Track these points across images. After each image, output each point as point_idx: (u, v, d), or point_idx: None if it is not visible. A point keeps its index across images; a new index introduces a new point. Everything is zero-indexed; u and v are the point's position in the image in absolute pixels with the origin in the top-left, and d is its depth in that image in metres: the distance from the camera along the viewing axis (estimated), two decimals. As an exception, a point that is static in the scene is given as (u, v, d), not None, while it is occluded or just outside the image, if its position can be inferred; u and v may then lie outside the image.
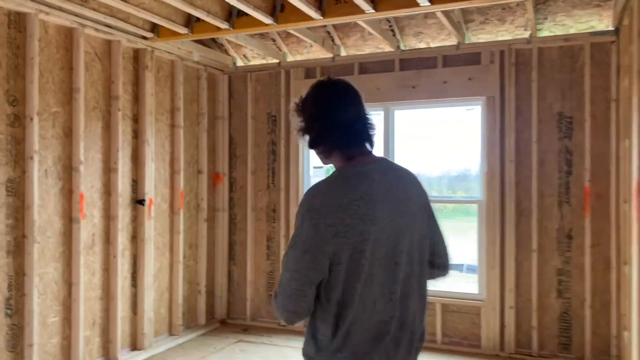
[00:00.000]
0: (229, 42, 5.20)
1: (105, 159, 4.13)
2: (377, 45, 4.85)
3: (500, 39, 4.47)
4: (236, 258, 5.42)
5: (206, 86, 5.21)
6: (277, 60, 5.22)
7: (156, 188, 4.61)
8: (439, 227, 1.70)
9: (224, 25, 4.04)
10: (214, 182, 5.41)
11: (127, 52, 4.32)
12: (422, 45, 4.74)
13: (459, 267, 8.18)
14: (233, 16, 4.07)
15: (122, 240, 4.22)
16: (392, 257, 1.50)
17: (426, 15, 4.37)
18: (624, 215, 3.79)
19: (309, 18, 3.81)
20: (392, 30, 4.59)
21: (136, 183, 4.41)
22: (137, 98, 4.42)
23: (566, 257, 4.23)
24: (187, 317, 5.02)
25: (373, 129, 1.61)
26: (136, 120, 4.41)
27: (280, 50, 5.15)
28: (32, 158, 3.49)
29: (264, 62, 5.36)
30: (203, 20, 4.08)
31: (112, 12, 3.93)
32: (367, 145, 1.60)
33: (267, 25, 3.96)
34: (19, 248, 3.48)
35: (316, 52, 5.09)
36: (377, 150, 1.68)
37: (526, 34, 4.36)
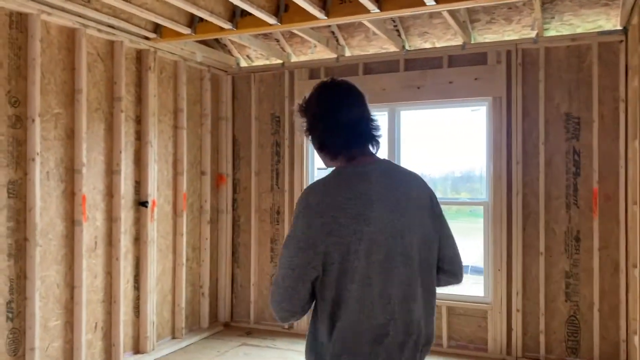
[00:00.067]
0: (233, 42, 5.16)
1: (108, 161, 4.10)
2: (382, 46, 4.81)
3: (506, 38, 4.42)
4: (240, 260, 5.38)
5: (209, 87, 5.17)
6: (281, 61, 5.18)
7: (159, 190, 4.58)
8: (447, 231, 1.66)
9: (227, 26, 4.00)
10: (217, 183, 5.37)
11: (130, 53, 4.29)
12: (428, 45, 4.69)
13: (464, 269, 8.11)
14: (236, 16, 4.03)
15: (124, 242, 4.19)
16: (391, 260, 1.48)
17: (431, 15, 4.32)
18: (633, 217, 3.74)
19: (313, 18, 3.77)
20: (397, 30, 4.54)
21: (139, 185, 4.37)
22: (139, 99, 4.39)
23: (574, 259, 4.18)
24: (190, 320, 4.99)
25: (377, 130, 1.60)
26: (139, 121, 4.38)
27: (284, 50, 5.11)
28: (33, 160, 3.46)
29: (267, 62, 5.32)
30: (206, 21, 4.04)
31: (114, 12, 3.89)
32: (371, 147, 1.59)
33: (270, 25, 3.92)
34: (20, 251, 3.44)
35: (320, 53, 5.04)
36: (382, 152, 1.64)
37: (533, 34, 4.31)
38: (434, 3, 3.42)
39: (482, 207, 4.56)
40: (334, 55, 4.94)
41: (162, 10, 3.88)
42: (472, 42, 4.49)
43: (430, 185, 1.69)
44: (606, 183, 4.08)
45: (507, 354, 4.32)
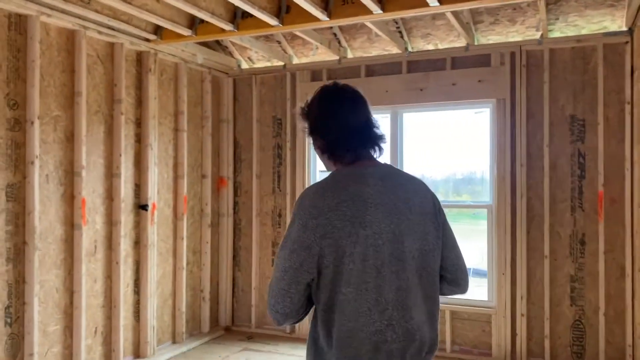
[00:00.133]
0: (234, 44, 5.12)
1: (108, 164, 4.06)
2: (384, 47, 4.77)
3: (510, 40, 4.38)
4: (241, 264, 5.34)
5: (210, 89, 5.14)
6: (283, 63, 5.14)
7: (159, 193, 4.53)
8: (450, 239, 1.63)
9: (228, 27, 3.96)
10: (218, 186, 5.33)
11: (130, 55, 4.25)
12: (430, 46, 4.65)
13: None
14: (238, 17, 3.99)
15: (124, 246, 4.14)
16: (389, 265, 1.46)
17: (434, 17, 4.28)
18: (639, 220, 3.69)
19: (315, 19, 3.73)
20: (400, 32, 4.50)
21: (139, 188, 4.33)
22: (140, 101, 4.35)
23: (579, 263, 4.13)
24: (191, 325, 4.94)
25: (380, 135, 1.60)
26: (139, 124, 4.34)
27: (286, 52, 5.07)
28: (32, 163, 3.42)
29: (269, 64, 5.28)
30: (207, 22, 4.00)
31: (114, 14, 3.86)
32: (373, 152, 1.59)
33: (272, 26, 3.88)
34: (19, 255, 3.40)
35: (322, 55, 5.01)
36: (385, 154, 1.64)
37: (537, 35, 4.27)
38: (437, 4, 3.38)
39: (484, 209, 4.52)
40: (336, 57, 4.90)
41: (163, 11, 3.84)
42: (476, 43, 4.45)
43: (431, 187, 1.66)
44: (612, 186, 4.03)
45: (512, 359, 4.27)
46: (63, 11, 3.57)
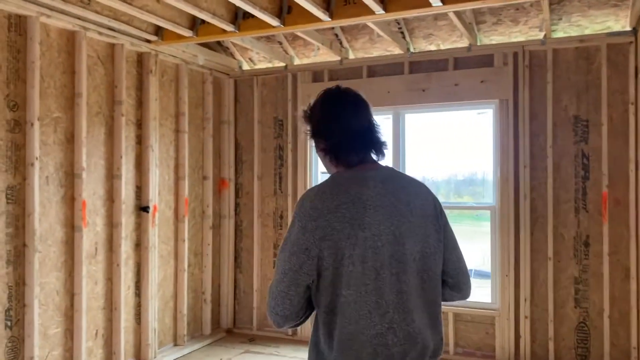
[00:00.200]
0: (235, 45, 5.10)
1: (108, 166, 4.04)
2: (386, 48, 4.75)
3: (513, 40, 4.35)
4: (242, 266, 5.31)
5: (211, 90, 5.11)
6: (284, 64, 5.12)
7: (160, 195, 4.51)
8: (452, 243, 1.62)
9: (229, 28, 3.94)
10: (220, 188, 5.30)
11: (131, 56, 4.23)
12: (433, 47, 4.63)
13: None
14: (239, 18, 3.97)
15: (125, 248, 4.12)
16: (389, 267, 1.46)
17: (436, 17, 4.26)
18: (645, 222, 3.67)
19: (316, 20, 3.71)
20: (402, 32, 4.48)
21: (140, 190, 4.31)
22: (140, 103, 4.33)
23: (583, 265, 4.10)
24: (192, 327, 4.91)
25: (381, 139, 1.61)
26: (140, 125, 4.32)
27: (287, 53, 5.05)
28: (32, 164, 3.40)
29: (270, 65, 5.26)
30: (208, 23, 3.98)
31: (115, 14, 3.84)
32: (374, 155, 1.60)
33: (273, 27, 3.86)
34: (19, 257, 3.38)
35: (324, 55, 4.98)
36: (387, 155, 1.64)
37: (540, 35, 4.24)
38: (440, 4, 3.36)
39: (486, 211, 4.49)
40: (338, 58, 4.88)
41: (164, 12, 3.82)
42: (478, 43, 4.43)
43: (433, 188, 1.66)
44: (616, 187, 4.00)
45: (515, 361, 4.24)
46: (63, 12, 3.55)
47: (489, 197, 4.55)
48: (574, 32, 4.19)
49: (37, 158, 3.41)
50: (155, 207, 4.38)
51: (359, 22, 3.83)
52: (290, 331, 4.95)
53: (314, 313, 1.56)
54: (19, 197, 3.38)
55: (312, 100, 1.66)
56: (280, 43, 4.92)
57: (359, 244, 1.44)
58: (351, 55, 4.90)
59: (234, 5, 3.78)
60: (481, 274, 8.56)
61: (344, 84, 1.69)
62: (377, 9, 3.48)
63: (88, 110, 3.82)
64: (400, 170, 4.51)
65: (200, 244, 5.05)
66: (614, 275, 4.00)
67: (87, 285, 3.79)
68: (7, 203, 3.32)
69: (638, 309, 3.87)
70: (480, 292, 5.55)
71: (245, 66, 5.36)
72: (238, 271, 5.32)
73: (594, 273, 4.06)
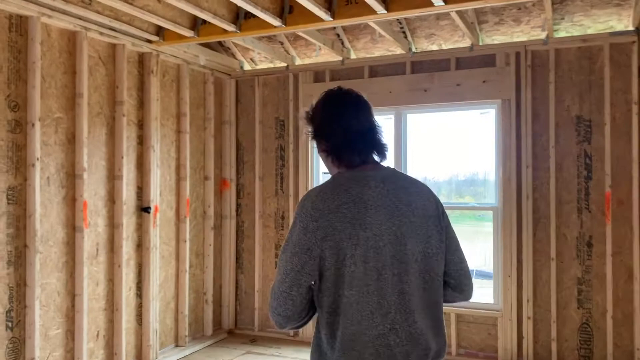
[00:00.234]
0: (236, 45, 5.09)
1: (110, 166, 4.03)
2: (388, 48, 4.73)
3: (515, 40, 4.34)
4: (244, 266, 5.30)
5: (213, 91, 5.10)
6: (285, 64, 5.10)
7: (162, 195, 4.50)
8: (453, 244, 1.62)
9: (230, 28, 3.93)
10: (221, 188, 5.29)
11: (132, 56, 4.22)
12: (435, 47, 4.61)
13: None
14: (240, 18, 3.96)
15: (126, 249, 4.11)
16: (391, 267, 1.46)
17: (438, 17, 4.24)
18: (648, 222, 3.65)
19: (318, 19, 3.69)
20: (404, 32, 4.47)
21: (141, 190, 4.30)
22: (142, 103, 4.32)
23: (586, 265, 4.08)
24: (194, 328, 4.90)
25: (383, 140, 1.61)
26: (141, 126, 4.31)
27: (289, 53, 5.04)
28: (33, 165, 3.39)
29: (271, 65, 5.25)
30: (209, 23, 3.97)
31: (116, 15, 3.83)
32: (375, 156, 1.61)
33: (275, 27, 3.85)
34: (20, 258, 3.37)
35: (325, 55, 4.97)
36: (388, 155, 1.65)
37: (542, 35, 4.22)
38: (442, 3, 3.34)
39: (487, 211, 4.48)
40: (339, 58, 4.86)
41: (165, 12, 3.81)
42: (480, 43, 4.41)
43: (434, 189, 1.66)
44: (619, 187, 3.99)
45: (518, 362, 4.22)
46: (64, 12, 3.54)
47: (491, 197, 4.54)
48: (576, 32, 4.17)
49: (38, 158, 3.40)
50: (156, 208, 4.37)
51: (360, 22, 3.81)
52: (291, 332, 4.94)
53: (316, 315, 1.56)
54: (19, 198, 3.37)
55: (314, 101, 1.66)
56: (282, 43, 4.91)
57: (360, 244, 1.44)
58: (353, 55, 4.89)
59: (235, 5, 3.77)
60: (483, 275, 8.55)
61: (345, 84, 1.69)
62: (379, 8, 3.47)
63: (89, 110, 3.82)
64: (402, 171, 4.51)
65: (201, 245, 5.04)
66: (617, 276, 3.98)
67: (88, 286, 3.78)
68: (8, 204, 3.31)
69: (641, 310, 3.85)
70: (482, 293, 5.53)
71: (247, 66, 5.35)
72: (239, 272, 5.31)
73: (597, 274, 4.04)
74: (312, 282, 1.47)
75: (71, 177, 3.71)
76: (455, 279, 1.61)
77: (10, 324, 3.30)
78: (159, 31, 4.22)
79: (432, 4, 3.37)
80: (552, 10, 3.91)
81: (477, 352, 4.38)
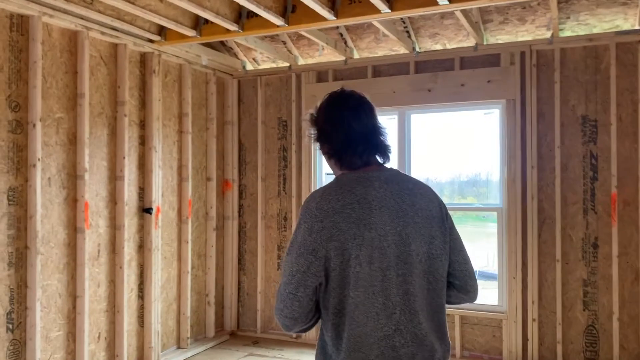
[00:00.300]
0: (239, 45, 5.06)
1: (111, 167, 4.00)
2: (392, 48, 4.70)
3: (520, 39, 4.30)
4: (246, 268, 5.27)
5: (215, 91, 5.08)
6: (288, 64, 5.07)
7: (164, 196, 4.47)
8: (458, 245, 1.61)
9: (233, 27, 3.90)
10: (223, 189, 5.26)
11: (134, 56, 4.20)
12: (439, 46, 4.58)
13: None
14: (243, 18, 3.93)
15: (128, 250, 4.08)
16: (395, 268, 1.46)
17: (442, 16, 4.21)
18: (655, 223, 3.61)
19: (321, 19, 3.66)
20: (407, 32, 4.43)
21: (143, 191, 4.27)
22: (144, 103, 4.29)
23: (592, 267, 4.04)
24: (196, 329, 4.87)
25: (386, 141, 1.62)
26: (143, 126, 4.28)
27: (291, 53, 5.01)
28: (34, 166, 3.36)
29: (274, 65, 5.22)
30: (212, 23, 3.95)
31: (118, 14, 3.80)
32: (379, 158, 1.61)
33: (278, 26, 3.82)
34: (21, 259, 3.34)
35: (328, 55, 4.94)
36: (392, 155, 1.65)
37: (548, 34, 4.19)
38: (447, 2, 3.31)
39: (490, 212, 4.44)
40: (342, 58, 4.83)
41: (167, 12, 3.79)
42: (485, 43, 4.38)
43: (437, 190, 1.67)
44: (625, 188, 3.95)
45: (523, 364, 4.18)
46: (65, 12, 3.52)
47: (494, 198, 4.50)
48: (582, 31, 4.13)
49: (39, 159, 3.38)
50: (158, 209, 4.34)
51: (364, 21, 3.78)
52: (294, 334, 4.91)
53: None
54: (20, 199, 3.34)
55: (317, 103, 1.66)
56: (284, 43, 4.88)
57: (365, 244, 1.44)
58: (356, 55, 4.85)
59: (238, 4, 3.74)
60: (486, 276, 8.51)
61: (348, 84, 1.67)
62: (383, 7, 3.44)
63: (90, 110, 3.79)
64: (405, 171, 4.47)
65: (203, 246, 5.01)
66: (624, 278, 3.94)
67: (89, 288, 3.75)
68: (9, 204, 3.28)
69: (648, 312, 3.81)
70: (486, 294, 5.50)
71: (249, 66, 5.32)
72: (242, 273, 5.28)
73: (603, 275, 4.00)
74: (318, 284, 1.47)
75: (72, 178, 3.68)
76: (460, 280, 1.61)
77: (11, 326, 3.28)
78: (161, 31, 4.20)
79: (436, 3, 3.34)
80: (558, 9, 3.87)
81: (482, 354, 4.34)
